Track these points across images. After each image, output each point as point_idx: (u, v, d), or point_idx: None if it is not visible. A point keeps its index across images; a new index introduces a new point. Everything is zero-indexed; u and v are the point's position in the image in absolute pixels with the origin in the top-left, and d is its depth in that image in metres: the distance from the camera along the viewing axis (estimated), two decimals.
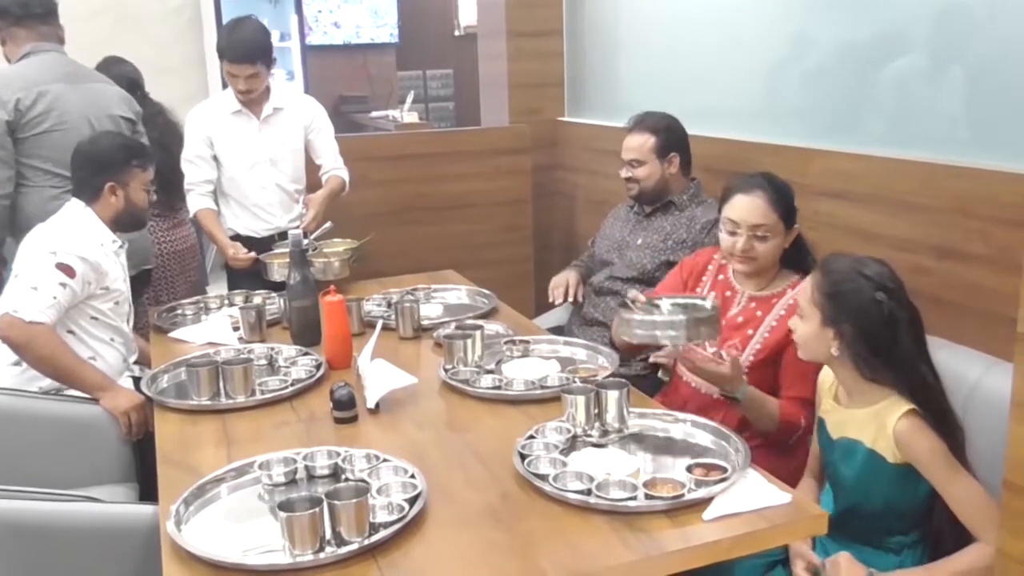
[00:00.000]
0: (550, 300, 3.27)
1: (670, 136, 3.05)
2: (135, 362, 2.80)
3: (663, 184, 3.05)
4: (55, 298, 2.44)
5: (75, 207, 2.66)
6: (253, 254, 3.17)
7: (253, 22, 3.19)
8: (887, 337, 1.84)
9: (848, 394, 1.95)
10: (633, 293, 2.23)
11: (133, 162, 2.69)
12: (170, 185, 3.44)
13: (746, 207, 2.33)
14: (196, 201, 3.28)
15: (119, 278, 2.67)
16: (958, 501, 1.77)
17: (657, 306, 2.18)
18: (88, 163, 2.67)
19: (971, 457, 1.86)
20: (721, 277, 2.51)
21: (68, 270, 2.47)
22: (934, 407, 1.83)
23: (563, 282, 3.26)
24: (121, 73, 3.53)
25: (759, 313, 2.36)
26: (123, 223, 2.71)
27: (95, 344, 2.62)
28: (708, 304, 2.17)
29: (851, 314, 1.86)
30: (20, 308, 2.40)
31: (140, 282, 3.26)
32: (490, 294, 3.10)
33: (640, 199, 3.11)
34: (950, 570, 1.78)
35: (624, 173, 3.09)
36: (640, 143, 3.05)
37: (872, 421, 1.86)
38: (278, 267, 3.07)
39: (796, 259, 2.42)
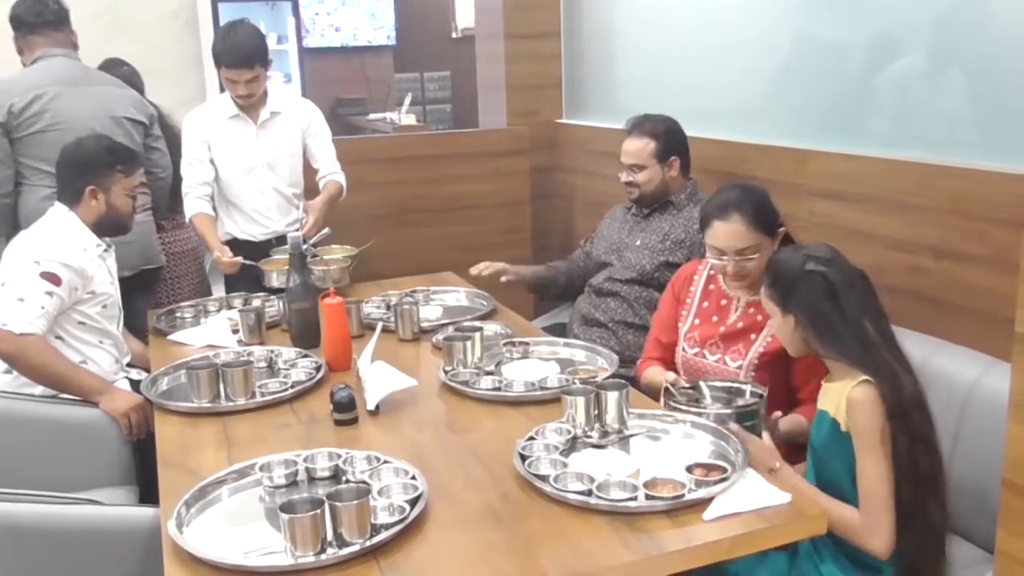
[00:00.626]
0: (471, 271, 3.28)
1: (670, 139, 3.03)
2: (129, 364, 2.80)
3: (664, 187, 3.04)
4: (43, 308, 2.43)
5: (58, 211, 2.65)
6: (240, 260, 3.11)
7: (247, 25, 3.19)
8: (831, 306, 1.89)
9: (831, 374, 2.00)
10: (672, 377, 2.23)
11: (117, 167, 2.66)
12: (169, 188, 3.45)
13: (727, 234, 2.31)
14: (192, 205, 3.26)
15: (105, 281, 2.65)
16: (865, 480, 1.83)
17: (697, 388, 2.16)
18: (70, 165, 2.65)
19: (967, 453, 1.87)
20: (712, 287, 2.50)
21: (53, 278, 2.46)
22: (882, 366, 1.85)
23: (487, 264, 3.25)
24: (119, 76, 3.53)
25: (759, 318, 2.36)
26: (104, 228, 2.68)
27: (84, 348, 2.62)
28: (748, 390, 2.14)
29: (794, 292, 1.93)
30: (9, 320, 2.39)
31: (142, 282, 3.25)
32: (489, 296, 3.10)
33: (640, 203, 3.10)
34: (829, 507, 1.84)
35: (624, 177, 3.07)
36: (640, 147, 3.03)
37: (838, 392, 1.90)
38: (277, 275, 3.07)
39: None
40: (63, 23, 3.25)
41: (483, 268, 3.24)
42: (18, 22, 3.21)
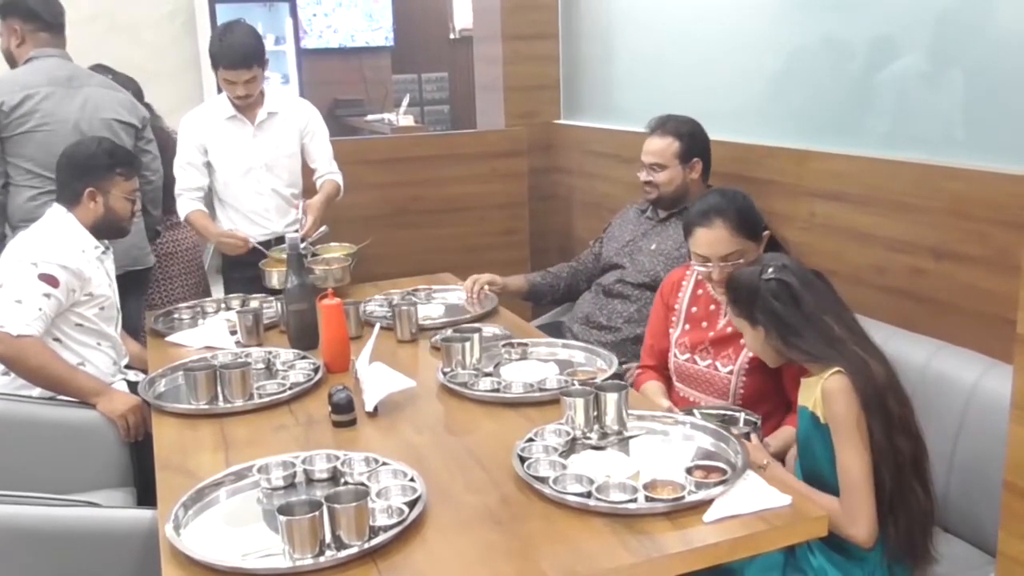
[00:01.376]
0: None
1: (694, 141, 2.98)
2: (127, 366, 2.79)
3: (683, 189, 2.99)
4: (40, 309, 2.43)
5: (57, 213, 2.64)
6: (249, 237, 3.15)
7: (243, 26, 3.18)
8: (791, 308, 1.93)
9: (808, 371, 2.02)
10: (667, 404, 2.25)
11: (116, 170, 2.66)
12: (164, 188, 3.44)
13: (710, 241, 2.30)
14: (186, 205, 3.26)
15: (103, 283, 2.65)
16: (844, 468, 1.85)
17: (692, 413, 2.16)
18: (70, 167, 2.65)
19: (967, 455, 1.87)
20: (700, 292, 2.49)
21: (51, 280, 2.45)
22: (851, 357, 1.87)
23: (471, 282, 3.10)
24: None
25: None
26: (102, 231, 2.68)
27: (82, 350, 2.61)
28: (742, 418, 2.14)
29: (756, 302, 1.97)
30: (6, 322, 2.38)
31: (129, 283, 3.24)
32: (488, 296, 3.10)
33: (658, 204, 3.06)
34: (817, 500, 1.85)
35: (644, 176, 3.02)
36: (663, 147, 2.98)
37: (814, 386, 1.92)
38: (278, 276, 3.06)
39: None
40: (63, 26, 3.25)
41: (475, 290, 3.08)
42: (31, 14, 3.17)
